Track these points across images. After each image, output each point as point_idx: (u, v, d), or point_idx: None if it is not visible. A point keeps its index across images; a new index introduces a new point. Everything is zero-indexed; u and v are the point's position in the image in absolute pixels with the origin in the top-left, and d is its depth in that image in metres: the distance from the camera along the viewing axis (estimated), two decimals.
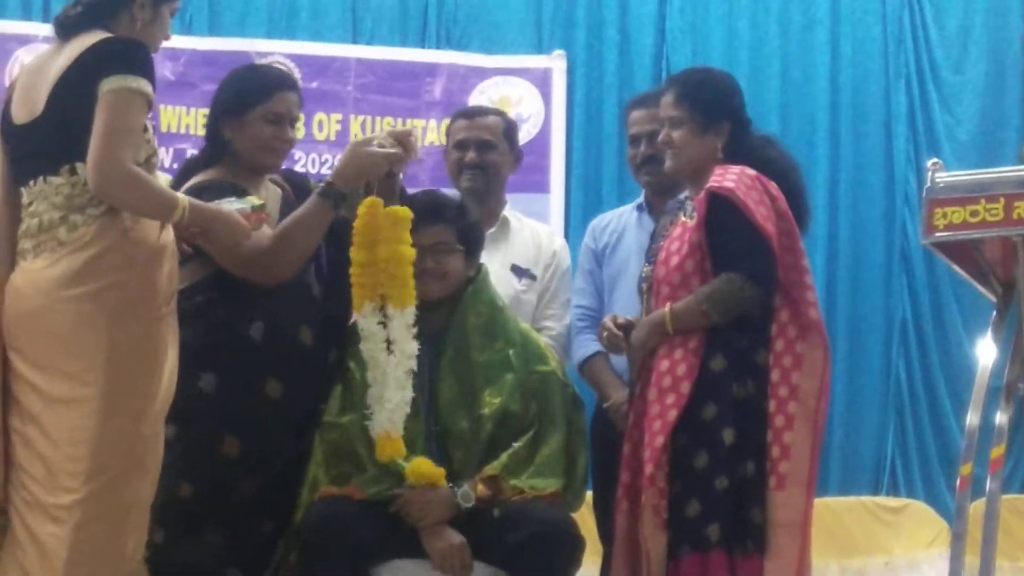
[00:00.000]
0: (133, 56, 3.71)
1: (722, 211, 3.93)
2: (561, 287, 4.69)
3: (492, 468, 3.98)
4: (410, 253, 3.99)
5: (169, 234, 3.80)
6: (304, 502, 4.02)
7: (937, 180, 3.36)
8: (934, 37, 6.69)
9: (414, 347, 4.00)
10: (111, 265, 3.69)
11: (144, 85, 3.68)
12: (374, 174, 4.00)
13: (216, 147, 4.11)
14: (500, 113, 4.86)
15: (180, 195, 3.73)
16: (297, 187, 4.22)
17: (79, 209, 3.71)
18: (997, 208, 3.74)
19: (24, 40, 6.29)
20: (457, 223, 4.14)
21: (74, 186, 3.72)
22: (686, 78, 4.29)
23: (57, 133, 3.72)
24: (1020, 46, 6.70)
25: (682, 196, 4.26)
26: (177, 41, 5.74)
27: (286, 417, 4.05)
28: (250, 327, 3.99)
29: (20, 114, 3.77)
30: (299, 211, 3.98)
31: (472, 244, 4.16)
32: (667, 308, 3.98)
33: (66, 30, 3.77)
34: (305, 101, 4.60)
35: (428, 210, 4.12)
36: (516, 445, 4.03)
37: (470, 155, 4.55)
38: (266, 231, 3.95)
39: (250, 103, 4.06)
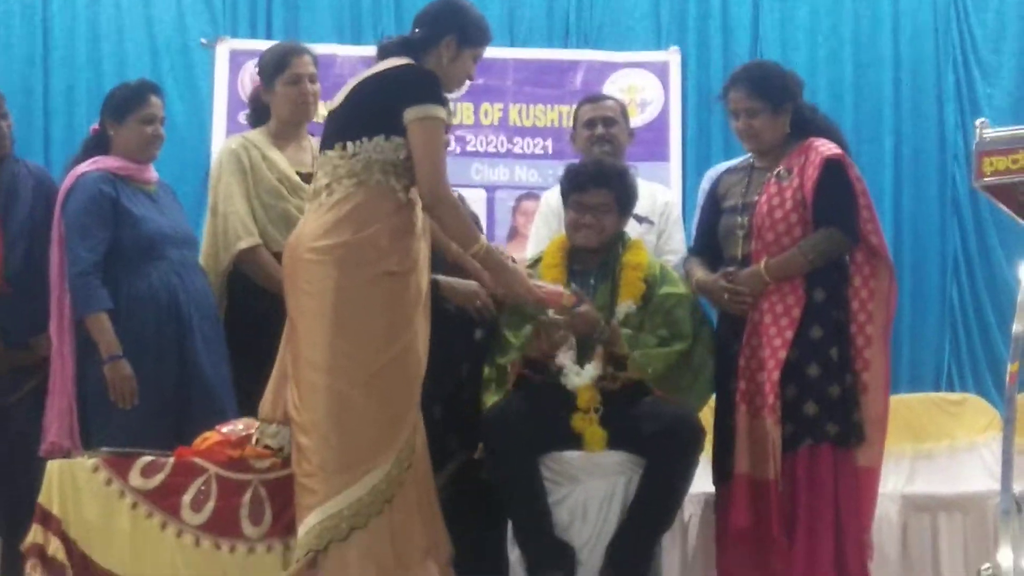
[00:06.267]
0: (432, 86, 3.80)
1: (832, 175, 4.26)
2: (675, 228, 5.08)
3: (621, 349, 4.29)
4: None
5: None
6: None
7: (985, 135, 3.50)
8: (975, 24, 6.99)
9: None
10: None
11: (445, 113, 3.79)
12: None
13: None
14: (615, 98, 5.30)
15: (481, 235, 3.96)
16: None
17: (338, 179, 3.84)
18: None
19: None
20: (617, 188, 4.43)
21: (342, 158, 3.83)
22: (751, 74, 4.48)
23: (345, 119, 3.87)
24: None
25: (741, 162, 4.55)
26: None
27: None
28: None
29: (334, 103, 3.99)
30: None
31: (626, 205, 4.45)
32: (762, 264, 4.26)
33: (382, 55, 3.99)
34: (472, 93, 5.37)
35: (594, 176, 4.43)
36: (647, 344, 4.31)
37: (599, 130, 4.95)
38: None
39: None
